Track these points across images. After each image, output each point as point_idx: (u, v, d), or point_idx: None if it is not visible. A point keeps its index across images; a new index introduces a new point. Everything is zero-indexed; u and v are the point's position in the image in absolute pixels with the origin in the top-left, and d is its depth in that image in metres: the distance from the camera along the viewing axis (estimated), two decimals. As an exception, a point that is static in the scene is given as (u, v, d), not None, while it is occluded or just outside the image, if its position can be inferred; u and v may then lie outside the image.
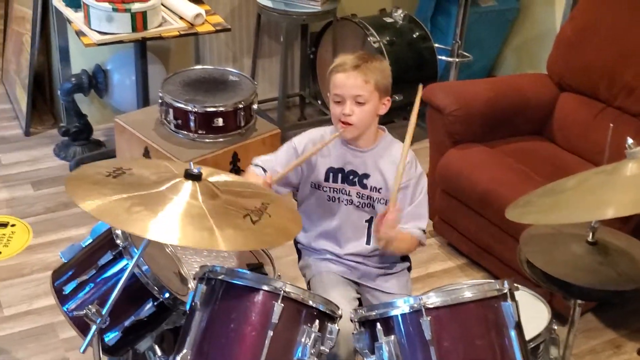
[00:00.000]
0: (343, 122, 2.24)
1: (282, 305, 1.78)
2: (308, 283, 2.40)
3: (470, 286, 1.79)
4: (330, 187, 2.33)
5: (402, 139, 2.27)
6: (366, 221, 2.35)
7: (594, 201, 1.83)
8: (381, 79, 2.24)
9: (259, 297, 1.79)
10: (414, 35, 4.26)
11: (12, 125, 4.26)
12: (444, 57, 4.30)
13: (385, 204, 2.30)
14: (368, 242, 2.36)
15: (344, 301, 2.19)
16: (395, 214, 2.14)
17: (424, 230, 2.33)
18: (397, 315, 1.77)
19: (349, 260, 2.38)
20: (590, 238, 2.15)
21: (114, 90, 4.05)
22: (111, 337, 1.93)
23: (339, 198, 2.34)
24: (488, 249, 3.27)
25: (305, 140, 2.35)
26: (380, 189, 2.31)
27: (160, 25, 3.48)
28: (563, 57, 3.53)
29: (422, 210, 2.34)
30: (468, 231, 3.36)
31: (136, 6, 3.33)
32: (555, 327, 2.17)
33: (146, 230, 1.64)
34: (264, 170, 2.29)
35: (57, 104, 4.26)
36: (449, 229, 3.48)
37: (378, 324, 1.79)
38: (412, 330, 1.75)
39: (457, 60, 4.25)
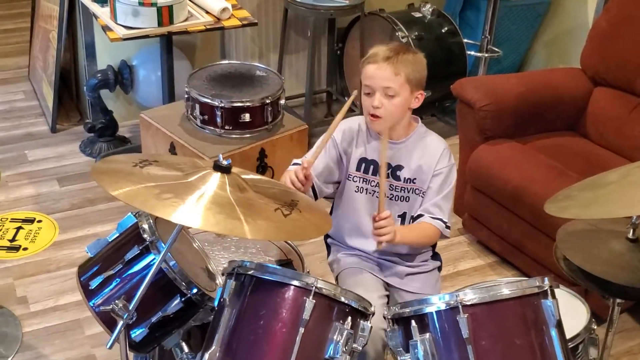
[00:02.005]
0: (372, 115, 2.19)
1: (314, 301, 1.72)
2: (336, 278, 2.36)
3: (508, 283, 1.72)
4: (360, 177, 2.28)
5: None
6: (399, 216, 2.30)
7: (638, 195, 1.75)
8: (413, 72, 2.18)
9: (290, 293, 1.74)
10: (443, 30, 4.20)
11: (39, 121, 4.26)
12: (473, 53, 4.23)
13: (420, 194, 2.26)
14: None
15: (374, 297, 2.14)
16: (383, 220, 2.10)
17: (446, 224, 2.26)
18: (432, 313, 1.72)
19: (378, 257, 2.33)
20: (630, 235, 2.08)
21: (140, 86, 4.03)
22: (138, 333, 1.89)
23: (367, 189, 2.28)
24: (520, 247, 3.20)
25: (341, 129, 2.30)
26: (415, 179, 2.26)
27: (186, 20, 3.45)
28: (598, 51, 3.44)
29: (447, 203, 2.27)
30: (499, 228, 3.29)
31: (162, 0, 3.30)
32: (595, 327, 2.10)
33: (177, 215, 1.60)
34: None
35: (83, 101, 4.25)
36: (479, 226, 3.41)
37: (413, 322, 1.73)
38: (449, 328, 1.69)
39: (486, 55, 4.19)
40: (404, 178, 2.26)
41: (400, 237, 2.16)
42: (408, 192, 2.27)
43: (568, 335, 1.97)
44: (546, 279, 1.74)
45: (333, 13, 3.96)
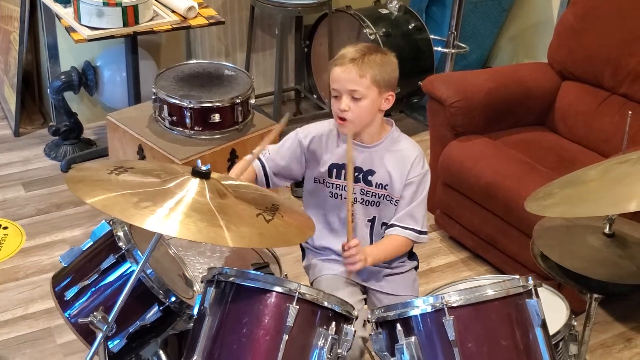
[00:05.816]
0: (340, 119, 2.16)
1: (297, 307, 1.69)
2: (311, 284, 2.32)
3: (493, 283, 1.71)
4: (333, 183, 2.26)
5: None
6: (369, 220, 2.27)
7: (623, 192, 1.75)
8: (380, 73, 2.13)
9: (273, 300, 1.71)
10: (410, 27, 4.20)
11: (2, 125, 4.16)
12: (439, 48, 4.23)
13: (392, 202, 2.23)
14: (371, 243, 2.28)
15: (351, 302, 2.11)
16: (353, 249, 2.08)
17: (420, 232, 2.23)
18: (417, 315, 1.70)
19: None
20: (607, 230, 2.09)
21: (105, 88, 3.96)
22: (115, 343, 1.85)
23: (341, 195, 2.26)
24: (492, 242, 3.21)
25: (311, 134, 2.27)
26: (386, 185, 2.23)
27: (152, 19, 3.39)
28: (565, 45, 3.46)
29: (419, 212, 2.23)
30: (471, 224, 3.29)
31: (127, 0, 3.24)
32: (575, 323, 2.10)
33: (156, 224, 1.56)
34: (262, 166, 2.25)
35: (46, 103, 4.17)
36: (451, 222, 3.41)
37: (398, 325, 1.72)
38: (434, 330, 1.68)
39: (453, 51, 4.18)
40: (376, 183, 2.23)
41: (371, 259, 2.15)
42: (379, 197, 2.24)
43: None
44: (530, 278, 1.74)
45: (300, 10, 3.93)
